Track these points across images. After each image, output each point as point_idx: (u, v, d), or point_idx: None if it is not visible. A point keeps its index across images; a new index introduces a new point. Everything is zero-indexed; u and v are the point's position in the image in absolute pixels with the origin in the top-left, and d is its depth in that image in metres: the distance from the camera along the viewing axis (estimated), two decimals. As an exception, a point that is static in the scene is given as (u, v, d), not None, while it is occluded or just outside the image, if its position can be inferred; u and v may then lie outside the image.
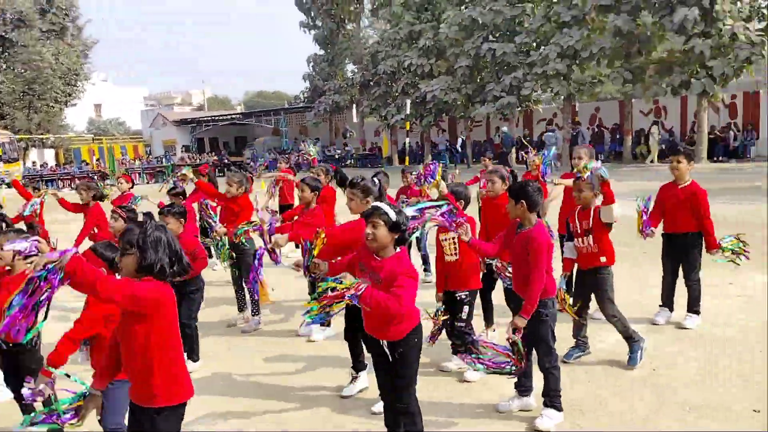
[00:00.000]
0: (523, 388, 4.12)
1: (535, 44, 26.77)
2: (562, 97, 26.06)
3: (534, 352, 3.99)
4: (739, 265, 5.79)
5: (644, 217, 5.51)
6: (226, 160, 33.70)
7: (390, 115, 31.28)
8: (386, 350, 3.35)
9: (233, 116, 44.76)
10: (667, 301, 6.00)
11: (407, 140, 24.78)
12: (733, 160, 22.96)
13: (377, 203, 3.46)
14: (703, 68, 21.97)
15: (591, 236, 4.70)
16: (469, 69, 28.07)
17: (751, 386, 4.40)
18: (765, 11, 22.10)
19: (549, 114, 29.61)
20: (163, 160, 35.41)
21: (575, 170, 5.34)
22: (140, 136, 51.35)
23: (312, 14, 36.80)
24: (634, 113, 26.23)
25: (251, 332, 6.34)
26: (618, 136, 26.80)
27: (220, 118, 42.98)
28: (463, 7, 29.08)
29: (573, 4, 24.47)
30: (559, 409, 3.95)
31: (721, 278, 7.00)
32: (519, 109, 27.41)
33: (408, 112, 23.10)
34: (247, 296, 6.47)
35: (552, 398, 3.94)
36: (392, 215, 3.29)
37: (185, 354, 4.50)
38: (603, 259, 4.74)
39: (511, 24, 27.11)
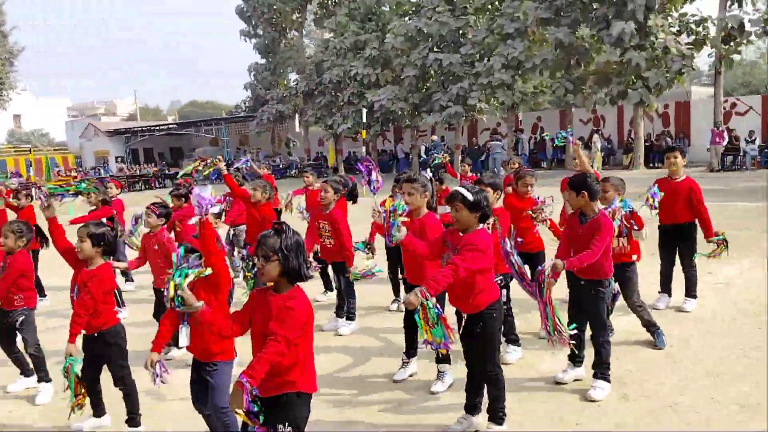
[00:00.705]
0: (578, 359, 4.33)
1: (478, 55, 27.56)
2: (507, 106, 26.90)
3: (588, 326, 4.22)
4: (720, 258, 6.21)
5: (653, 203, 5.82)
6: (167, 171, 32.81)
7: (336, 125, 31.35)
8: (468, 323, 3.50)
9: (170, 126, 43.69)
10: (665, 288, 6.38)
11: (363, 148, 24.95)
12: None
13: (456, 188, 3.61)
14: (639, 79, 23.19)
15: (626, 238, 5.00)
16: (416, 78, 28.55)
17: (749, 355, 4.90)
18: (693, 26, 23.58)
19: (493, 123, 30.42)
20: (101, 171, 34.16)
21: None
22: (65, 147, 49.31)
23: (253, 23, 36.50)
24: (575, 122, 27.31)
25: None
26: (556, 145, 27.81)
27: (157, 127, 41.86)
28: (407, 18, 29.63)
29: (515, 16, 25.35)
30: (609, 381, 4.18)
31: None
32: (465, 118, 28.07)
33: (364, 120, 23.24)
34: None
35: (603, 371, 4.16)
36: (469, 196, 3.45)
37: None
38: (634, 257, 5.13)
39: (456, 35, 27.78)
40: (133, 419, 4.20)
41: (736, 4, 21.70)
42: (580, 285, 4.25)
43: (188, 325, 3.49)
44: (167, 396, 4.79)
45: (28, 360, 5.13)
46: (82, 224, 4.19)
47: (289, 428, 2.88)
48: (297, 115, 36.45)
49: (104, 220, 4.94)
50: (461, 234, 3.64)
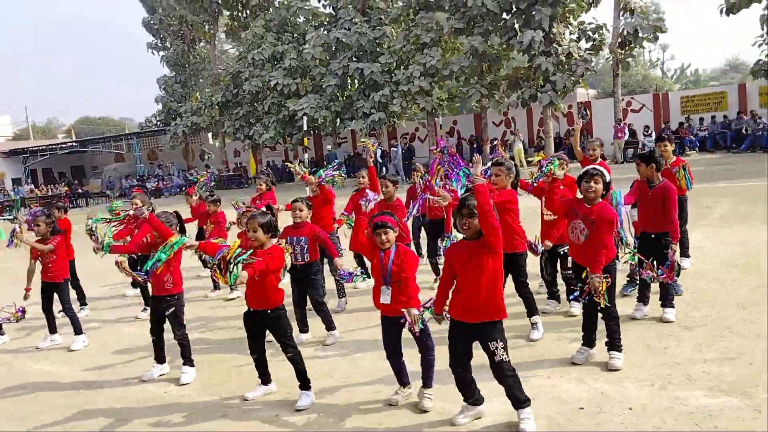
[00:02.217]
0: (592, 340, 5.05)
1: (395, 63, 28.82)
2: (426, 112, 28.33)
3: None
4: None
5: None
6: (80, 190, 31.51)
7: (257, 135, 31.50)
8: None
9: (73, 144, 41.75)
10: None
11: (307, 156, 25.20)
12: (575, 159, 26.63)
13: (594, 166, 4.67)
14: (547, 82, 25.30)
15: None
16: (337, 87, 29.35)
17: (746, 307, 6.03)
18: (590, 33, 26.05)
19: (411, 128, 31.80)
20: (11, 193, 32.21)
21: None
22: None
23: (161, 35, 35.81)
24: (488, 125, 29.17)
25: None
26: (476, 146, 29.61)
27: (60, 146, 39.88)
28: (323, 30, 30.37)
29: (430, 27, 26.80)
30: (622, 350, 4.94)
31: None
32: (386, 124, 29.22)
33: (305, 128, 23.71)
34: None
35: (617, 342, 4.90)
36: (607, 176, 4.57)
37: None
38: None
39: (374, 45, 28.87)
40: (306, 384, 4.77)
41: (628, 13, 24.30)
42: (651, 238, 5.43)
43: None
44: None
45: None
46: (250, 216, 4.76)
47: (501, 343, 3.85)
48: (210, 128, 36.07)
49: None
50: (587, 206, 4.71)
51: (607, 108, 26.92)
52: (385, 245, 4.43)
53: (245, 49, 31.74)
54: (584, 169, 4.96)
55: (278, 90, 30.56)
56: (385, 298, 4.41)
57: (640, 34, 23.07)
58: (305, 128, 22.91)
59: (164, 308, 5.43)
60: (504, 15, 25.95)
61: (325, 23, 30.99)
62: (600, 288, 4.56)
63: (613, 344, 4.89)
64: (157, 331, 5.57)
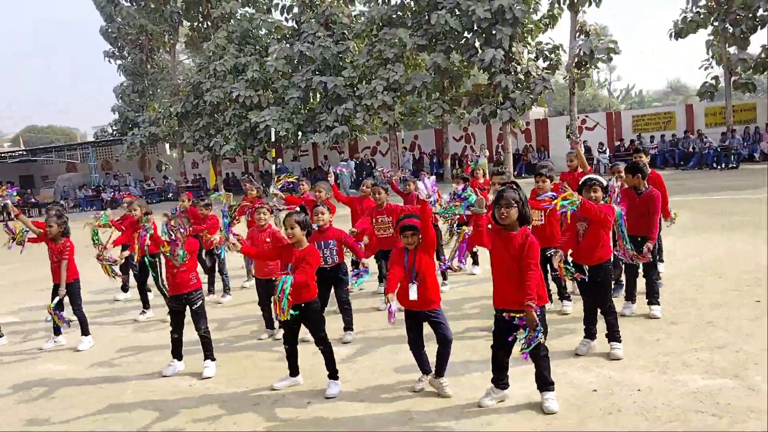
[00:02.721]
0: (593, 333, 5.49)
1: (357, 78, 29.25)
2: (389, 126, 28.81)
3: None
4: None
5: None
6: (33, 200, 30.65)
7: (218, 146, 31.33)
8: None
9: (23, 152, 40.51)
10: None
11: (276, 165, 25.29)
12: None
13: (590, 176, 5.13)
14: (507, 99, 26.15)
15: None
16: (300, 100, 29.55)
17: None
18: (547, 53, 27.12)
19: (372, 142, 32.24)
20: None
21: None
22: None
23: (119, 44, 35.30)
24: (449, 139, 29.86)
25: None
26: (436, 160, 30.26)
27: (9, 154, 38.65)
28: (285, 43, 30.58)
29: (393, 43, 27.35)
30: (621, 341, 5.40)
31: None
32: (349, 138, 29.58)
33: (272, 139, 23.82)
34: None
35: (616, 334, 5.36)
36: (604, 182, 5.21)
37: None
38: None
39: (337, 59, 29.24)
40: (334, 373, 5.03)
41: (583, 35, 25.42)
42: (637, 241, 5.95)
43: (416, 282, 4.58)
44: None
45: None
46: (287, 214, 5.01)
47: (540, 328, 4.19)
48: (167, 138, 35.66)
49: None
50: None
51: (562, 125, 27.93)
52: (410, 246, 4.76)
53: (206, 60, 31.60)
54: (583, 180, 5.42)
55: (240, 102, 30.51)
56: (413, 295, 4.72)
57: (596, 55, 24.14)
58: (272, 140, 22.98)
59: (191, 303, 5.60)
60: (465, 33, 26.77)
61: (288, 36, 31.20)
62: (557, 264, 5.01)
63: (613, 336, 5.32)
64: (178, 328, 5.72)
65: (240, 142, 30.94)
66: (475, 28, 26.08)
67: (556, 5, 25.96)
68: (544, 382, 4.36)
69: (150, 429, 4.60)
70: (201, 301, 5.69)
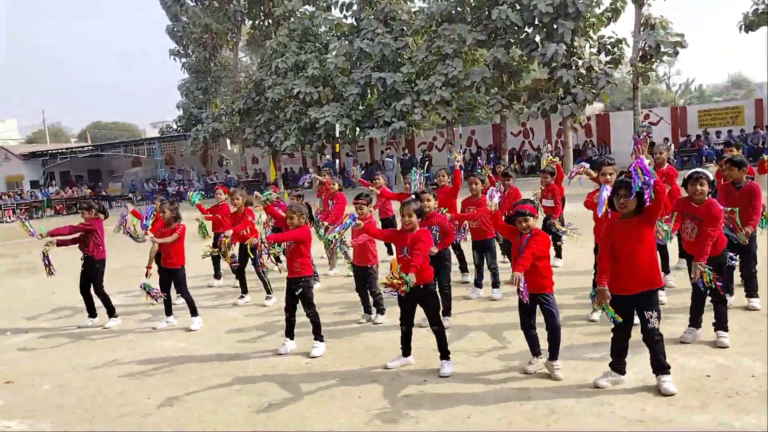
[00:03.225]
0: (698, 322, 5.64)
1: (416, 73, 29.44)
2: (447, 121, 28.93)
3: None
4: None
5: None
6: (104, 192, 31.97)
7: (279, 141, 32.04)
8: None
9: (93, 147, 42.22)
10: None
11: (332, 162, 25.85)
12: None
13: (698, 170, 5.24)
14: (568, 94, 25.93)
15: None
16: (359, 96, 29.95)
17: None
18: (609, 47, 26.74)
19: (429, 137, 32.41)
20: (38, 194, 32.66)
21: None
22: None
23: (184, 42, 36.43)
24: (507, 135, 29.77)
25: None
26: (493, 156, 30.20)
27: (80, 149, 40.37)
28: (345, 40, 31.01)
29: (452, 38, 27.41)
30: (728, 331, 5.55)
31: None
32: (406, 133, 29.83)
33: (338, 133, 24.26)
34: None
35: (724, 323, 5.48)
36: (711, 177, 5.14)
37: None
38: None
39: (396, 55, 29.48)
40: (446, 354, 5.28)
41: (649, 28, 24.99)
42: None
43: None
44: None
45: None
46: (404, 203, 5.30)
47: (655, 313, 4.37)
48: (229, 134, 36.63)
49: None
50: (696, 205, 5.35)
51: (625, 120, 27.53)
52: (525, 231, 4.97)
53: (268, 58, 32.33)
54: (689, 173, 5.51)
55: (300, 98, 31.13)
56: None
57: (662, 49, 23.71)
58: (338, 133, 23.38)
59: (298, 288, 5.94)
60: (526, 28, 26.65)
61: (347, 33, 31.60)
62: (701, 274, 5.07)
63: (722, 325, 5.41)
64: (290, 310, 6.07)
65: (300, 137, 31.59)
66: (536, 22, 25.97)
67: (620, -1, 25.63)
68: (660, 366, 4.50)
69: (280, 399, 4.94)
70: (307, 288, 6.00)
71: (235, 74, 35.95)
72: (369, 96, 31.15)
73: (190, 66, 36.74)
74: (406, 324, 5.42)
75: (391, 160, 29.32)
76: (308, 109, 31.07)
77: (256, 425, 4.54)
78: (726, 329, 5.41)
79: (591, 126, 29.09)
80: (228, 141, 39.28)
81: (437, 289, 6.06)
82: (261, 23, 34.90)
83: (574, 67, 25.67)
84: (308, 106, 31.35)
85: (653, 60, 24.80)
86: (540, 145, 29.53)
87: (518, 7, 25.84)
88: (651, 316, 4.41)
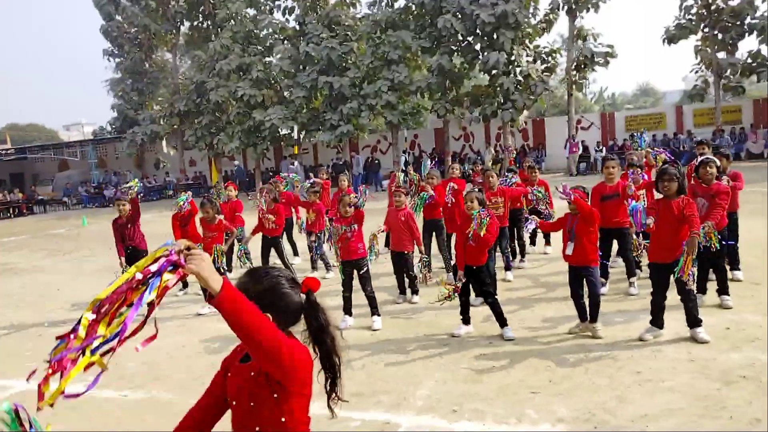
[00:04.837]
0: (705, 288, 6.68)
1: (360, 78, 30.15)
2: (392, 125, 29.81)
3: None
4: None
5: None
6: (38, 196, 30.76)
7: (222, 144, 31.88)
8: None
9: (18, 150, 40.28)
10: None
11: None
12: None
13: (708, 156, 6.19)
14: (508, 100, 27.39)
15: None
16: (305, 99, 30.33)
17: None
18: (544, 56, 28.48)
19: (373, 141, 33.21)
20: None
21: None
22: None
23: (119, 42, 35.53)
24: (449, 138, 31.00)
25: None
26: (436, 159, 31.30)
27: (5, 152, 38.44)
28: (288, 44, 31.35)
29: (397, 45, 28.35)
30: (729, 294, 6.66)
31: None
32: (353, 137, 30.47)
33: (295, 137, 24.45)
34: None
35: (726, 287, 6.60)
36: (718, 162, 6.15)
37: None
38: None
39: (342, 59, 30.08)
40: (505, 321, 6.02)
41: (581, 41, 26.86)
42: None
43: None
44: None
45: None
46: (468, 192, 6.00)
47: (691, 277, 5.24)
48: (167, 136, 36.03)
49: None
50: (706, 186, 6.39)
51: (559, 125, 29.36)
52: (573, 212, 5.82)
53: (210, 60, 32.12)
54: (700, 160, 6.54)
55: (244, 100, 31.12)
56: (568, 250, 5.80)
57: (595, 59, 25.57)
58: (295, 137, 23.71)
59: (359, 268, 6.56)
60: (469, 37, 27.95)
61: (291, 37, 31.92)
62: (709, 235, 5.88)
63: (724, 289, 6.48)
64: (348, 288, 6.67)
65: (243, 140, 31.56)
66: (477, 31, 27.31)
67: (555, 10, 27.36)
68: (694, 320, 5.45)
69: (377, 361, 5.54)
70: (367, 267, 6.64)
71: (174, 76, 35.43)
72: (315, 99, 31.57)
73: (126, 67, 35.83)
74: (466, 296, 6.14)
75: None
76: (253, 112, 31.12)
77: (373, 382, 5.11)
78: (728, 293, 6.47)
79: (527, 130, 30.75)
80: (164, 143, 38.55)
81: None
82: (200, 24, 34.59)
83: (513, 75, 27.20)
84: (252, 108, 31.36)
85: (586, 69, 26.65)
86: (480, 148, 30.96)
87: (460, 17, 27.10)
88: (687, 280, 5.35)
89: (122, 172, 36.34)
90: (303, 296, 2.09)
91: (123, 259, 8.13)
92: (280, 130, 30.94)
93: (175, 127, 34.28)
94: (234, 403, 2.05)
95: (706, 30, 25.48)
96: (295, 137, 24.51)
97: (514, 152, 17.14)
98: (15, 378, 5.78)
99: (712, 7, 25.03)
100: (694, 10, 25.55)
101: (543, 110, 32.35)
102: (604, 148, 27.50)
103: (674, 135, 27.07)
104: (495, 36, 26.84)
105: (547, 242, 10.17)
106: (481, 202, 6.07)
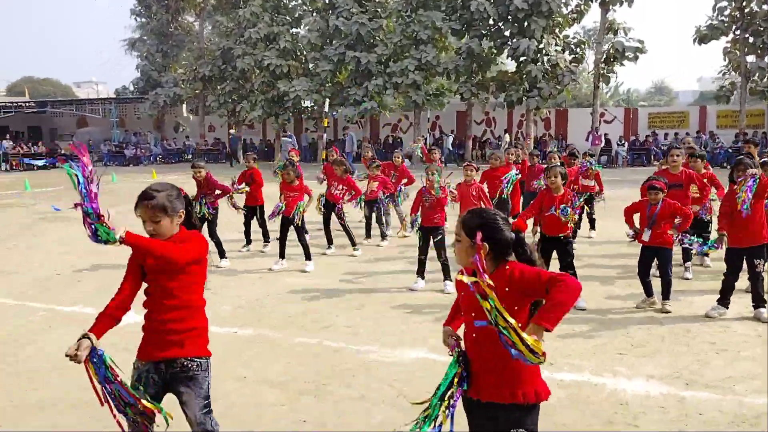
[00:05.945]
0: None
1: (387, 56, 30.27)
2: (415, 105, 30.02)
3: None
4: None
5: None
6: (62, 152, 31.00)
7: (245, 111, 32.11)
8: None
9: (40, 103, 40.33)
10: None
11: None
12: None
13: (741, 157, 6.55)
14: (534, 88, 27.60)
15: None
16: (330, 73, 30.48)
17: None
18: (572, 47, 28.66)
19: (395, 119, 33.42)
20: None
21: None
22: None
23: (147, 2, 35.58)
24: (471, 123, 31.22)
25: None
26: (457, 142, 31.59)
27: (26, 104, 38.58)
28: (318, 16, 31.44)
29: (427, 24, 28.48)
30: None
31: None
32: (376, 114, 30.69)
33: (326, 109, 24.59)
34: None
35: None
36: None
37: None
38: None
39: (370, 36, 30.19)
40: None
41: (611, 33, 27.02)
42: None
43: None
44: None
45: None
46: (549, 167, 6.35)
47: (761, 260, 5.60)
48: (188, 100, 36.24)
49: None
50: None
51: (582, 117, 29.59)
52: (654, 202, 6.16)
53: (237, 26, 32.22)
54: (736, 160, 6.89)
55: (270, 70, 31.28)
56: (646, 236, 6.18)
57: (626, 53, 25.76)
58: (326, 109, 23.94)
59: (434, 236, 6.94)
60: (500, 23, 28.05)
61: (321, 10, 31.98)
62: None
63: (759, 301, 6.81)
64: (423, 252, 7.06)
65: (266, 109, 31.79)
66: (509, 17, 27.43)
67: (588, 1, 27.47)
68: (759, 300, 5.84)
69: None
70: (441, 236, 7.00)
71: (200, 40, 35.52)
72: (339, 74, 31.72)
73: (152, 28, 35.90)
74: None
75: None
76: (277, 82, 31.30)
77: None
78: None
79: (550, 120, 30.98)
80: (184, 107, 38.74)
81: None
82: (231, -9, 34.60)
83: (541, 63, 27.39)
84: (277, 78, 31.55)
85: (615, 63, 26.85)
86: (500, 134, 31.22)
87: (493, 1, 27.18)
88: (759, 263, 5.72)
89: (143, 132, 36.58)
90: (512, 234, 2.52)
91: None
92: (303, 102, 31.22)
93: (197, 91, 34.49)
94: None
95: (737, 32, 25.65)
96: (325, 110, 24.59)
97: (530, 144, 17.46)
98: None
99: (746, 10, 25.21)
100: (727, 12, 25.71)
101: (563, 102, 32.40)
102: (626, 143, 27.77)
103: (696, 134, 27.31)
104: (526, 23, 26.99)
105: (592, 227, 10.53)
106: (564, 176, 6.41)
